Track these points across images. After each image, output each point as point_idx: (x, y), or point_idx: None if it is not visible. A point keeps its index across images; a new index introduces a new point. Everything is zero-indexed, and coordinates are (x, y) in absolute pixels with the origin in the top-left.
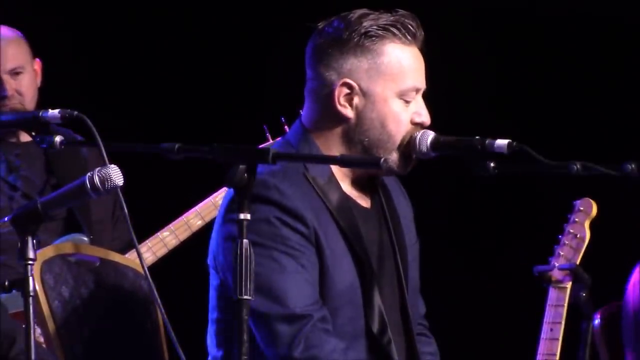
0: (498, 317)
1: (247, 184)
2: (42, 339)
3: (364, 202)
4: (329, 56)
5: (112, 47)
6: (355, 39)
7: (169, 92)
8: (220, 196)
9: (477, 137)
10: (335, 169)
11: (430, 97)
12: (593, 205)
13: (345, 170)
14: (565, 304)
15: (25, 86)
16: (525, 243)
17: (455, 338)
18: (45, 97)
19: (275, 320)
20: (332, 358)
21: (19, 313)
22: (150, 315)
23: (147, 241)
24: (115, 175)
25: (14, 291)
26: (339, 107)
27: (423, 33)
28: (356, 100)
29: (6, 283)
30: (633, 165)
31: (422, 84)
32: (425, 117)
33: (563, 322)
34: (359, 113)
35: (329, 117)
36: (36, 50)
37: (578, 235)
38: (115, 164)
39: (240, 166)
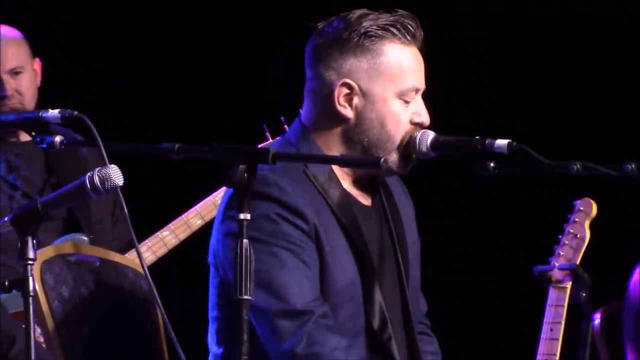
0: (498, 317)
1: (247, 184)
2: (42, 339)
3: (365, 200)
4: (329, 56)
5: (112, 47)
6: (355, 39)
7: (169, 92)
8: (220, 196)
9: (477, 137)
10: (335, 167)
11: (430, 97)
12: (593, 205)
13: (345, 169)
14: (565, 304)
15: (25, 86)
16: (525, 243)
17: (455, 338)
18: (45, 97)
19: (276, 316)
20: (334, 356)
21: (19, 313)
22: (150, 315)
23: (147, 241)
24: (115, 175)
25: (14, 291)
26: (338, 107)
27: (422, 33)
28: (356, 100)
29: (6, 283)
30: (633, 165)
31: (421, 84)
32: (424, 117)
33: (563, 322)
34: (358, 113)
35: (329, 117)
36: (36, 50)
37: (578, 235)
38: (115, 164)
39: (240, 166)
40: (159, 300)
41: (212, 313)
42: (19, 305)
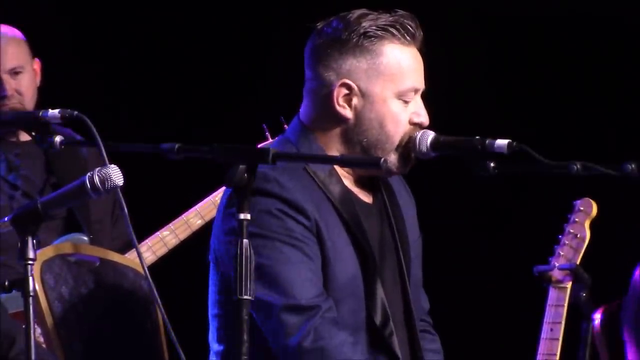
0: (498, 317)
1: (247, 184)
2: (42, 339)
3: (366, 197)
4: (328, 56)
5: (112, 47)
6: (354, 40)
7: (169, 92)
8: (220, 196)
9: (477, 137)
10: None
11: (430, 97)
12: (593, 205)
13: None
14: (565, 304)
15: (25, 86)
16: (525, 243)
17: (455, 338)
18: (45, 97)
19: (282, 311)
20: (340, 350)
21: (19, 313)
22: (150, 315)
23: (147, 240)
24: (115, 175)
25: (14, 291)
26: (337, 107)
27: (422, 33)
28: (355, 100)
29: (6, 283)
30: (633, 165)
31: (421, 85)
32: (424, 118)
33: (563, 322)
34: (357, 113)
35: (328, 117)
36: (36, 50)
37: (578, 235)
38: (115, 164)
39: (240, 166)
40: (159, 300)
41: (212, 310)
42: (19, 305)
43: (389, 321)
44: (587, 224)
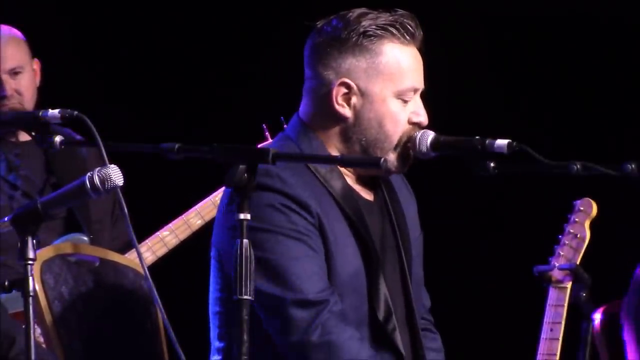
0: (498, 317)
1: (246, 184)
2: (42, 339)
3: (367, 195)
4: (328, 55)
5: (112, 47)
6: (354, 39)
7: (169, 91)
8: (219, 196)
9: (477, 137)
10: None
11: (430, 97)
12: (593, 205)
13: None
14: (565, 304)
15: (25, 86)
16: (525, 243)
17: (455, 338)
18: (45, 97)
19: (289, 306)
20: (349, 345)
21: (19, 313)
22: (150, 315)
23: (147, 241)
24: (115, 175)
25: (14, 291)
26: (336, 106)
27: (422, 33)
28: (354, 99)
29: (6, 283)
30: (633, 165)
31: (420, 84)
32: (423, 117)
33: (563, 322)
34: (356, 113)
35: (327, 115)
36: (36, 50)
37: (578, 235)
38: (115, 164)
39: (240, 166)
40: (159, 300)
41: (213, 308)
42: (19, 305)
43: (392, 316)
44: (587, 224)
